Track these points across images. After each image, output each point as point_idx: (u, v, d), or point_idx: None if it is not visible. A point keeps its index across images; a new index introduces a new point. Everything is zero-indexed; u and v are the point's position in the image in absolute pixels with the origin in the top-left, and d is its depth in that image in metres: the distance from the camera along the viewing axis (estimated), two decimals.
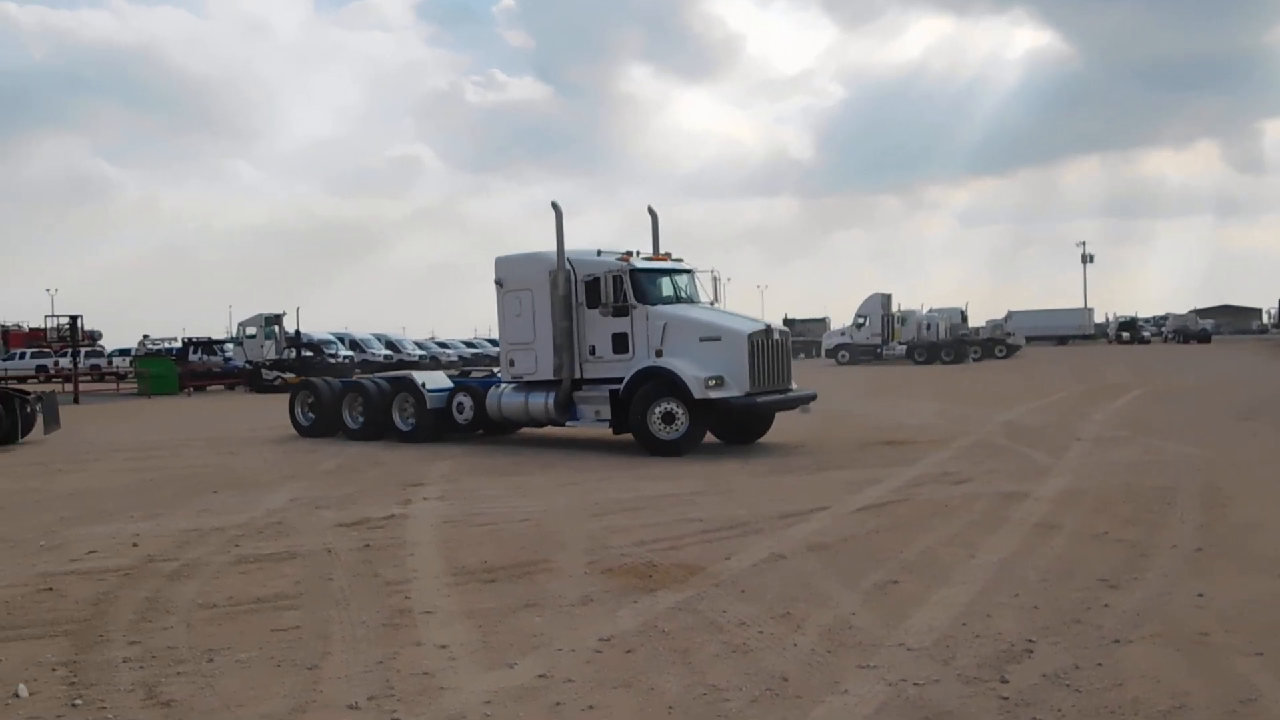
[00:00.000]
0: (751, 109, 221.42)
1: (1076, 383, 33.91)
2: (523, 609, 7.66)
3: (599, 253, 18.18)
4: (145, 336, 70.97)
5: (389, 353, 62.12)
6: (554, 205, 17.88)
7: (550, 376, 18.30)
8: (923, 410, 24.24)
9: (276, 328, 46.18)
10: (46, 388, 32.99)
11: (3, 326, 64.86)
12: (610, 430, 17.69)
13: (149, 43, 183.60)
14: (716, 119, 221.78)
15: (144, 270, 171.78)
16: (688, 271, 18.70)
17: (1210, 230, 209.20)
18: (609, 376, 17.63)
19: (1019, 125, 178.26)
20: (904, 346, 56.84)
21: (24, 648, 6.96)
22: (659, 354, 17.15)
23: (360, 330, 62.94)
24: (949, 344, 56.78)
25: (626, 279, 17.59)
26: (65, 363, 44.31)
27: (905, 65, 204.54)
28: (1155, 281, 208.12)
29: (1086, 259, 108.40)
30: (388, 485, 14.12)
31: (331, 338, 56.15)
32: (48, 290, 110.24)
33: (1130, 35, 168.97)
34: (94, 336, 62.76)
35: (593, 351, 17.91)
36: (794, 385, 18.01)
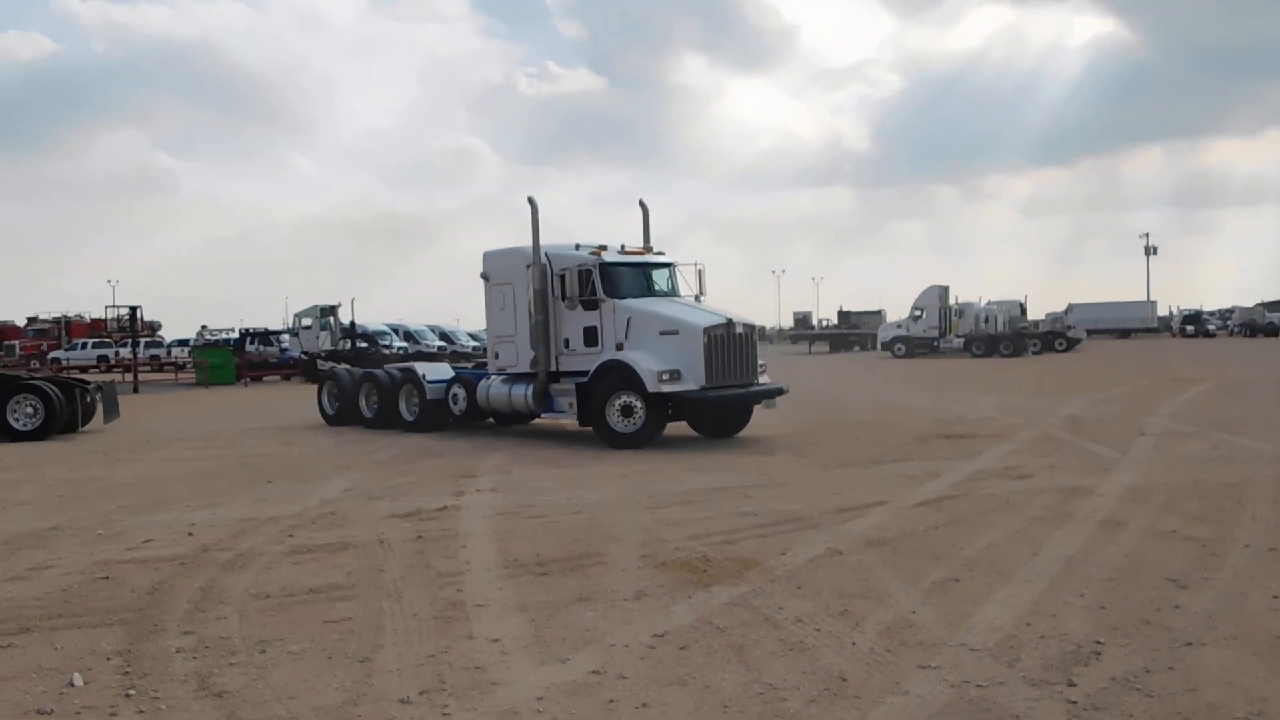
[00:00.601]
0: (807, 99, 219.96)
1: (1140, 376, 33.25)
2: (576, 603, 7.57)
3: (577, 247, 18.23)
4: (203, 327, 71.98)
5: (443, 344, 62.43)
6: (530, 200, 18.18)
7: (528, 369, 18.63)
8: (982, 403, 23.85)
9: (331, 319, 46.62)
10: (107, 378, 33.51)
11: (65, 317, 65.95)
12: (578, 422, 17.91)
13: (207, 36, 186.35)
14: (771, 110, 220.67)
15: (203, 261, 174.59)
16: (667, 265, 18.73)
17: (1279, 221, 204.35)
18: (581, 369, 17.78)
19: (1081, 114, 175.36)
20: (961, 339, 56.11)
21: (80, 636, 6.98)
22: (619, 347, 17.33)
23: (415, 321, 63.30)
24: (1008, 337, 55.95)
25: (595, 273, 17.71)
26: (125, 353, 45.02)
27: (964, 54, 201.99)
28: (1221, 274, 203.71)
29: (1150, 250, 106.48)
30: (441, 476, 14.11)
31: (386, 329, 56.57)
32: (109, 281, 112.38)
33: (1196, 21, 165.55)
34: (153, 327, 63.69)
35: (566, 345, 18.12)
36: (764, 380, 17.80)
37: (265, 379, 44.71)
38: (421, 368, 21.72)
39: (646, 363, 16.72)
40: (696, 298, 18.61)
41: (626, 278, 18.03)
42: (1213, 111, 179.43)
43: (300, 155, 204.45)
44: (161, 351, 58.32)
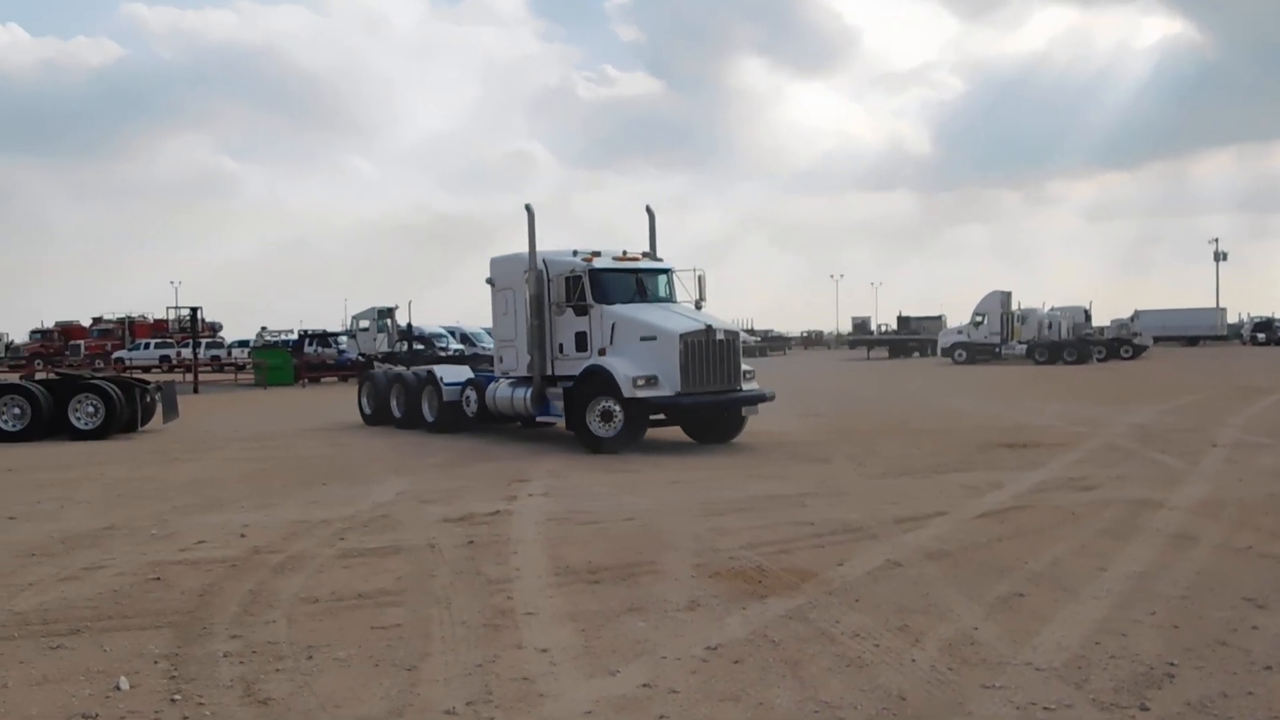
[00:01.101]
0: (867, 103, 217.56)
1: (1210, 385, 32.42)
2: (627, 613, 7.41)
3: (574, 253, 18.42)
4: (263, 328, 72.92)
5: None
6: (526, 207, 18.42)
7: (525, 373, 18.94)
8: (1045, 411, 23.34)
9: (389, 321, 46.91)
10: (168, 378, 33.96)
11: (129, 318, 67.05)
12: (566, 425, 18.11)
13: (271, 41, 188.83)
14: (831, 113, 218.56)
15: (264, 264, 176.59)
16: (663, 271, 18.82)
17: None
18: (573, 374, 17.94)
19: (1148, 117, 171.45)
20: (1024, 346, 55.16)
21: (129, 638, 6.94)
22: (601, 352, 17.54)
23: (471, 324, 63.54)
24: (1072, 343, 54.92)
25: (585, 279, 17.92)
26: (186, 353, 45.62)
27: (1028, 57, 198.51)
28: None
29: (1219, 256, 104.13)
30: (494, 480, 14.02)
31: (443, 331, 56.80)
32: (171, 283, 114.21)
33: (1267, 21, 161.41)
34: (214, 328, 64.60)
35: (560, 349, 18.35)
36: (750, 386, 17.74)
37: (323, 380, 45.07)
38: (440, 370, 22.20)
39: (624, 368, 16.90)
40: (697, 304, 18.73)
41: (616, 284, 18.17)
42: None
43: (360, 159, 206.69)
44: (222, 352, 59.04)
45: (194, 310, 43.38)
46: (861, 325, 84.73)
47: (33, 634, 7.06)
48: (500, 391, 19.55)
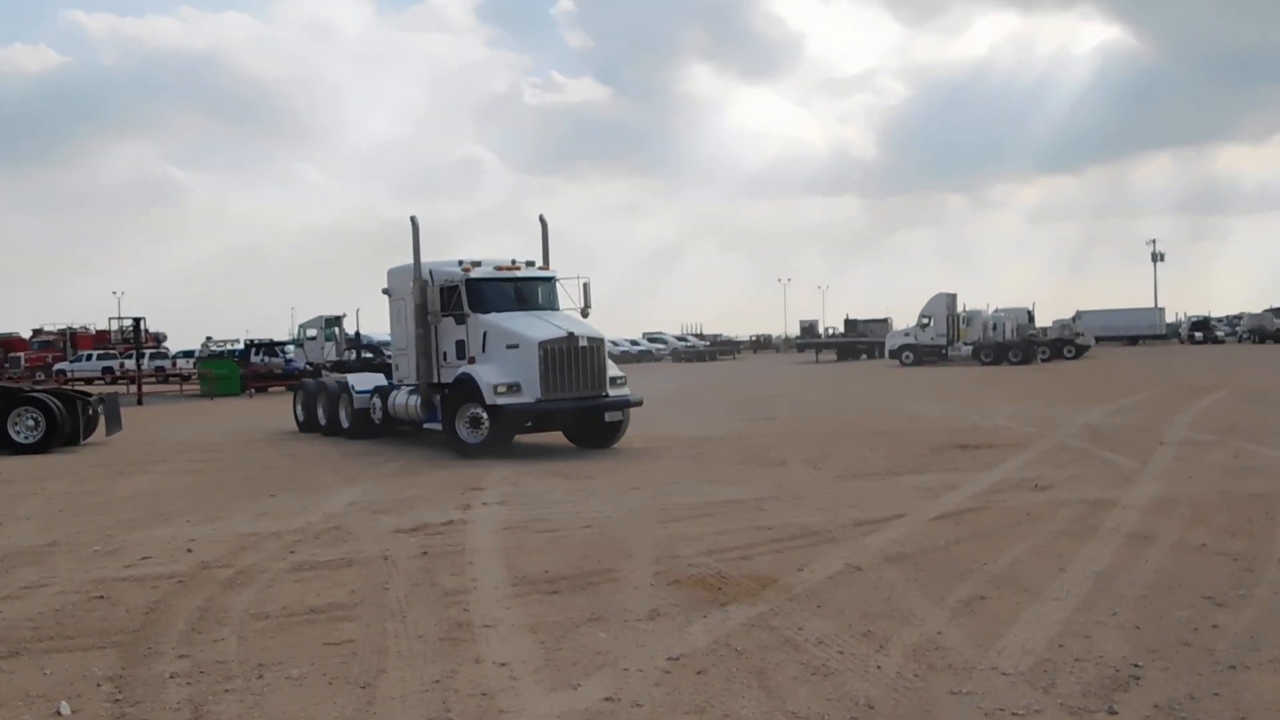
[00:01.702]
0: (814, 108, 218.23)
1: (1153, 384, 32.85)
2: (587, 623, 7.28)
3: (459, 263, 18.72)
4: (208, 338, 71.78)
5: None
6: (411, 219, 18.95)
7: (413, 380, 19.39)
8: (995, 412, 23.48)
9: (337, 329, 46.38)
10: (112, 389, 33.28)
11: (70, 329, 65.79)
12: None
13: (215, 48, 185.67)
14: (778, 118, 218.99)
15: (211, 273, 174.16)
16: (545, 280, 19.17)
17: None
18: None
19: (1088, 122, 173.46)
20: (970, 347, 55.64)
21: (72, 660, 6.70)
22: (472, 360, 17.96)
23: None
24: (1016, 344, 55.47)
25: (461, 288, 18.32)
26: (130, 364, 44.77)
27: (970, 62, 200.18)
28: (1230, 281, 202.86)
29: (1157, 257, 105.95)
30: (448, 489, 13.82)
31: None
32: (114, 293, 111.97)
33: (1203, 27, 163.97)
34: (158, 339, 63.58)
35: (445, 357, 18.67)
36: (619, 392, 18.02)
37: (270, 390, 44.39)
38: (353, 378, 22.83)
39: (487, 375, 17.30)
40: (583, 311, 19.00)
41: (494, 293, 18.55)
42: (1221, 118, 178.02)
43: (308, 166, 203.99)
44: (166, 363, 58.05)
45: (137, 321, 42.54)
46: (809, 329, 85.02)
47: None
48: (398, 398, 20.05)
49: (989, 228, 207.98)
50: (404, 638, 7.00)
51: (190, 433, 24.79)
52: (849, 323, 75.61)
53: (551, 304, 18.94)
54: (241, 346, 53.81)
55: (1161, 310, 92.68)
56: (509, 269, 18.96)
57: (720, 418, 24.54)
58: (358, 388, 21.61)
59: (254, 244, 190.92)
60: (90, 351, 59.70)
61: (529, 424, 17.84)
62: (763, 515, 11.26)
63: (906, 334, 59.40)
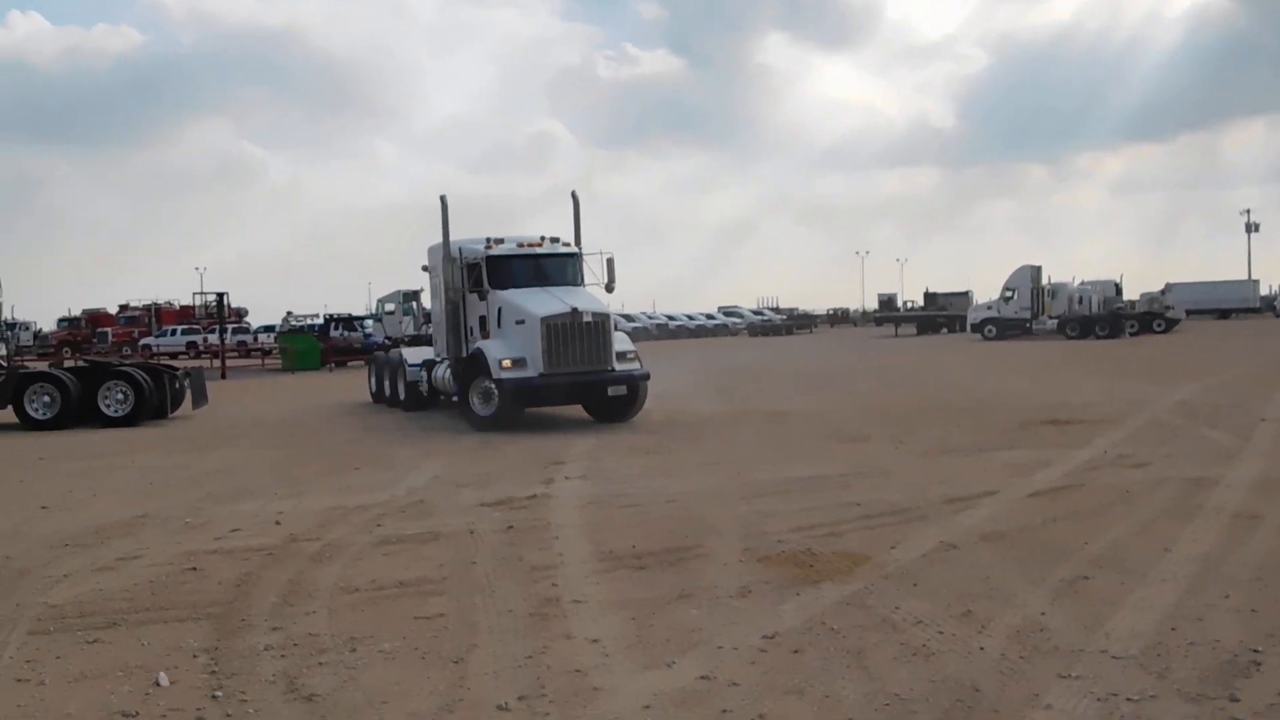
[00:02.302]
0: (891, 77, 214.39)
1: (1248, 359, 31.83)
2: (677, 600, 7.17)
3: (487, 240, 19.03)
4: (289, 313, 72.58)
5: None
6: (441, 199, 19.27)
7: (445, 354, 19.94)
8: (1085, 387, 22.88)
9: (414, 304, 46.72)
10: (195, 364, 33.89)
11: (155, 304, 67.06)
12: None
13: (291, 25, 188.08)
14: (855, 88, 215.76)
15: (288, 248, 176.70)
16: (568, 255, 19.24)
17: None
18: None
19: (1179, 87, 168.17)
20: (1055, 321, 54.40)
21: (167, 631, 6.76)
22: (486, 335, 18.39)
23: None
24: (1103, 318, 54.08)
25: (482, 265, 18.67)
26: (213, 339, 45.57)
27: (1055, 28, 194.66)
28: None
29: (1251, 228, 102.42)
30: (528, 463, 13.79)
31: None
32: (197, 269, 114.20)
33: None
34: (240, 314, 64.53)
35: (471, 332, 19.00)
36: (626, 366, 18.12)
37: (349, 364, 44.96)
38: (407, 352, 23.36)
39: (495, 350, 17.72)
40: (607, 287, 19.17)
41: (513, 269, 18.76)
42: None
43: (382, 142, 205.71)
44: (248, 337, 59.02)
45: (220, 296, 43.24)
46: (888, 302, 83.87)
47: (69, 628, 6.88)
48: (438, 372, 20.40)
49: (1072, 198, 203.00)
50: (493, 613, 6.95)
51: (272, 406, 25.16)
52: (928, 296, 74.37)
53: (574, 280, 19.03)
54: (321, 321, 54.57)
55: (1256, 283, 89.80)
56: (530, 246, 19.19)
57: (798, 392, 24.27)
58: (410, 361, 22.09)
59: (331, 220, 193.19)
60: (174, 327, 60.78)
61: (536, 397, 18.00)
62: (849, 492, 11.05)
63: (989, 307, 58.26)
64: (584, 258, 19.27)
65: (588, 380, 17.81)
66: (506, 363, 17.40)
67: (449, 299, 19.26)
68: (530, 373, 17.40)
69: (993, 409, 19.08)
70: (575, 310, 17.58)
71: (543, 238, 19.35)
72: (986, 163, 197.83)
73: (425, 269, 21.31)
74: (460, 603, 7.23)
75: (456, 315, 19.21)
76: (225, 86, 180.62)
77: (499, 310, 18.28)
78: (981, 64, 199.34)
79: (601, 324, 17.86)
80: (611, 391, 18.06)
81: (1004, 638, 6.20)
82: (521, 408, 17.96)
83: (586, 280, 19.17)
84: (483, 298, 18.59)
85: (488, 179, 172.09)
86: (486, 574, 7.99)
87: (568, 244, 19.40)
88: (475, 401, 17.91)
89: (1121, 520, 9.33)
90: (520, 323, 17.80)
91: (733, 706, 5.27)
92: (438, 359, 20.81)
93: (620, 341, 18.29)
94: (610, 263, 19.11)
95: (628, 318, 79.09)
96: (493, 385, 17.58)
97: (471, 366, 18.20)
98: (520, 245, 19.07)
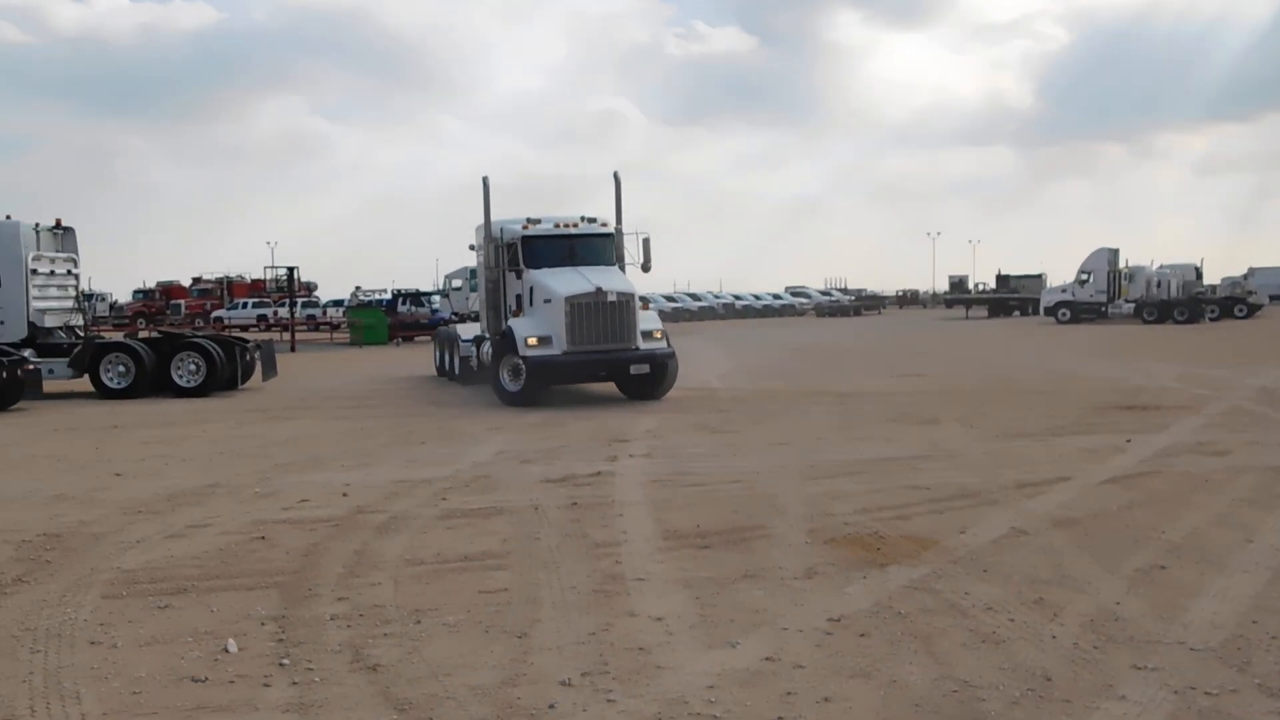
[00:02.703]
0: (966, 54, 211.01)
1: None
2: (741, 580, 7.10)
3: (525, 221, 19.37)
4: (357, 288, 73.58)
5: None
6: (483, 180, 19.86)
7: (487, 332, 20.64)
8: (1162, 372, 22.37)
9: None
10: (265, 336, 34.39)
11: (227, 278, 68.16)
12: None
13: (362, 2, 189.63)
14: (928, 66, 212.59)
15: (358, 223, 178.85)
16: (603, 236, 19.43)
17: None
18: None
19: (1267, 65, 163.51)
20: (1132, 304, 53.25)
21: (236, 598, 6.84)
22: (517, 313, 18.72)
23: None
24: (1182, 302, 52.85)
25: (519, 245, 19.01)
26: (283, 312, 46.21)
27: (1137, 3, 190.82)
28: None
29: None
30: (593, 440, 13.79)
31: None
32: (268, 243, 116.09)
33: None
34: (310, 288, 65.35)
35: (510, 310, 19.19)
36: (652, 345, 18.31)
37: (416, 339, 45.35)
38: (461, 328, 24.07)
39: (523, 328, 18.11)
40: (643, 267, 19.48)
41: (548, 249, 19.04)
42: None
43: (451, 118, 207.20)
44: (317, 311, 59.73)
45: (290, 270, 43.86)
46: (959, 284, 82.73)
47: (141, 593, 6.99)
48: (484, 348, 20.79)
49: (1151, 179, 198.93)
50: (557, 588, 6.94)
51: (340, 379, 25.46)
52: (1001, 278, 73.21)
53: (608, 260, 19.25)
54: (389, 296, 55.08)
55: None
56: (566, 226, 19.46)
57: (866, 373, 24.01)
58: (463, 337, 22.59)
59: (399, 195, 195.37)
60: (245, 300, 61.75)
61: (560, 375, 18.35)
62: (917, 474, 10.89)
63: (1063, 290, 57.15)
64: (625, 237, 19.45)
65: (611, 358, 18.13)
66: (532, 340, 17.81)
67: (489, 278, 19.87)
68: (555, 350, 17.78)
69: (1065, 393, 18.71)
70: (600, 289, 17.86)
71: (581, 218, 19.63)
72: (1063, 142, 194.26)
73: (472, 248, 22.05)
74: (524, 577, 7.22)
75: (496, 293, 19.64)
76: (297, 62, 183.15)
77: (531, 289, 18.64)
78: (1060, 41, 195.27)
79: (626, 303, 18.08)
80: (634, 370, 18.30)
81: (1077, 626, 6.05)
82: (545, 384, 18.32)
83: (627, 260, 19.42)
84: (519, 277, 18.92)
85: (555, 155, 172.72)
86: (550, 550, 7.98)
87: (605, 224, 19.62)
88: (505, 377, 18.26)
89: (1200, 508, 9.08)
90: (548, 301, 18.15)
91: (797, 689, 5.20)
92: (485, 335, 21.25)
93: (646, 320, 18.47)
94: (646, 243, 19.42)
95: (693, 296, 79.15)
96: (520, 362, 17.90)
97: (503, 343, 18.56)
98: (557, 225, 19.40)
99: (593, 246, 19.33)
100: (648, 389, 18.64)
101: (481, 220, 20.15)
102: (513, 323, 18.48)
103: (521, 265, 18.84)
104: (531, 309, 18.53)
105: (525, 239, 19.00)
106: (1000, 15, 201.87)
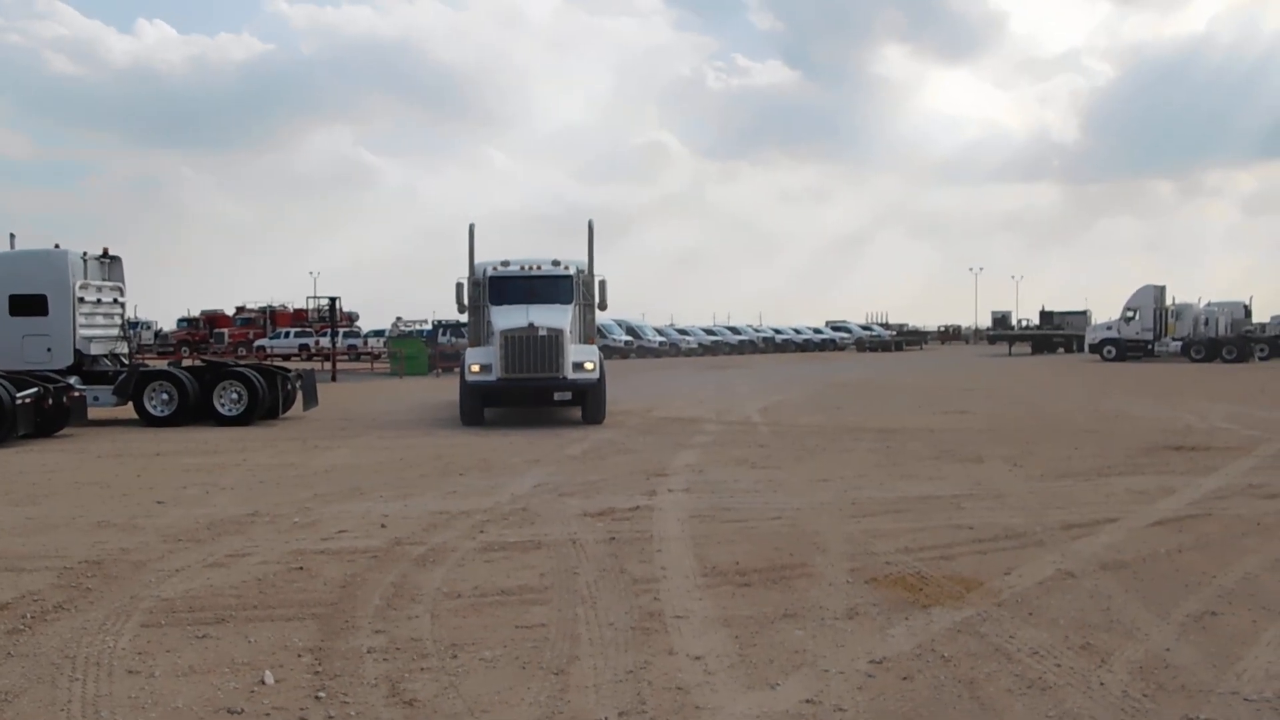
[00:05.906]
0: (1013, 90, 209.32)
1: None
2: (782, 619, 6.99)
3: (504, 263, 22.23)
4: (398, 319, 74.03)
5: (629, 338, 62.70)
6: (469, 227, 22.37)
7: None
8: (1211, 412, 22.00)
9: None
10: (307, 366, 34.69)
11: (270, 307, 68.79)
12: None
13: (408, 35, 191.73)
14: (974, 101, 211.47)
15: (400, 255, 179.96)
16: (563, 277, 21.97)
17: None
18: None
19: None
20: (1179, 343, 52.61)
21: (274, 629, 6.82)
22: (476, 344, 21.74)
23: (602, 316, 63.74)
24: (1231, 341, 52.10)
25: (485, 284, 21.92)
26: (325, 342, 46.56)
27: (1186, 39, 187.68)
28: None
29: None
30: (632, 474, 13.72)
31: (611, 323, 56.97)
32: (310, 273, 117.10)
33: None
34: (351, 318, 65.81)
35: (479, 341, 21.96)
36: (579, 375, 20.30)
37: (456, 370, 45.57)
38: (470, 355, 24.82)
39: (470, 357, 20.89)
40: (599, 306, 22.25)
41: (510, 288, 21.71)
42: None
43: (495, 151, 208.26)
44: (359, 341, 60.26)
45: (333, 300, 44.26)
46: (1002, 320, 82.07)
47: (179, 621, 6.99)
48: None
49: (1199, 217, 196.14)
50: (595, 625, 6.86)
51: (380, 410, 25.58)
52: (1045, 314, 72.63)
53: (565, 299, 21.51)
54: (430, 327, 55.41)
55: None
56: (528, 269, 22.11)
57: (909, 409, 23.80)
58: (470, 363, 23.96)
59: (443, 227, 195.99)
60: (288, 329, 62.28)
61: (495, 398, 20.56)
62: (961, 514, 10.73)
63: (1109, 327, 56.59)
64: (590, 278, 22.00)
65: (538, 385, 20.30)
66: (475, 367, 20.39)
67: (474, 311, 22.33)
68: (491, 377, 20.18)
69: (1113, 433, 18.43)
70: (532, 325, 20.17)
71: (552, 262, 22.17)
72: (1109, 178, 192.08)
73: (462, 283, 23.80)
74: (562, 613, 7.16)
75: (477, 326, 22.31)
76: (343, 94, 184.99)
77: (489, 323, 21.15)
78: (1108, 77, 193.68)
79: (555, 338, 20.24)
80: (558, 396, 20.53)
81: (1126, 673, 5.90)
82: (483, 406, 20.62)
83: (596, 300, 21.99)
84: (485, 312, 21.46)
85: (598, 188, 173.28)
86: (588, 585, 7.92)
87: (567, 267, 22.08)
88: (463, 400, 20.66)
89: (1253, 553, 8.87)
90: (493, 335, 20.55)
91: None
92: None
93: (579, 353, 20.65)
94: (602, 285, 22.04)
95: (733, 330, 79.00)
96: (462, 385, 20.42)
97: (464, 371, 20.88)
98: (522, 268, 22.05)
99: (550, 286, 21.69)
100: (585, 413, 20.63)
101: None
102: (467, 351, 21.28)
103: (486, 301, 21.56)
104: (484, 340, 21.23)
105: (492, 279, 21.81)
106: (1047, 50, 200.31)
